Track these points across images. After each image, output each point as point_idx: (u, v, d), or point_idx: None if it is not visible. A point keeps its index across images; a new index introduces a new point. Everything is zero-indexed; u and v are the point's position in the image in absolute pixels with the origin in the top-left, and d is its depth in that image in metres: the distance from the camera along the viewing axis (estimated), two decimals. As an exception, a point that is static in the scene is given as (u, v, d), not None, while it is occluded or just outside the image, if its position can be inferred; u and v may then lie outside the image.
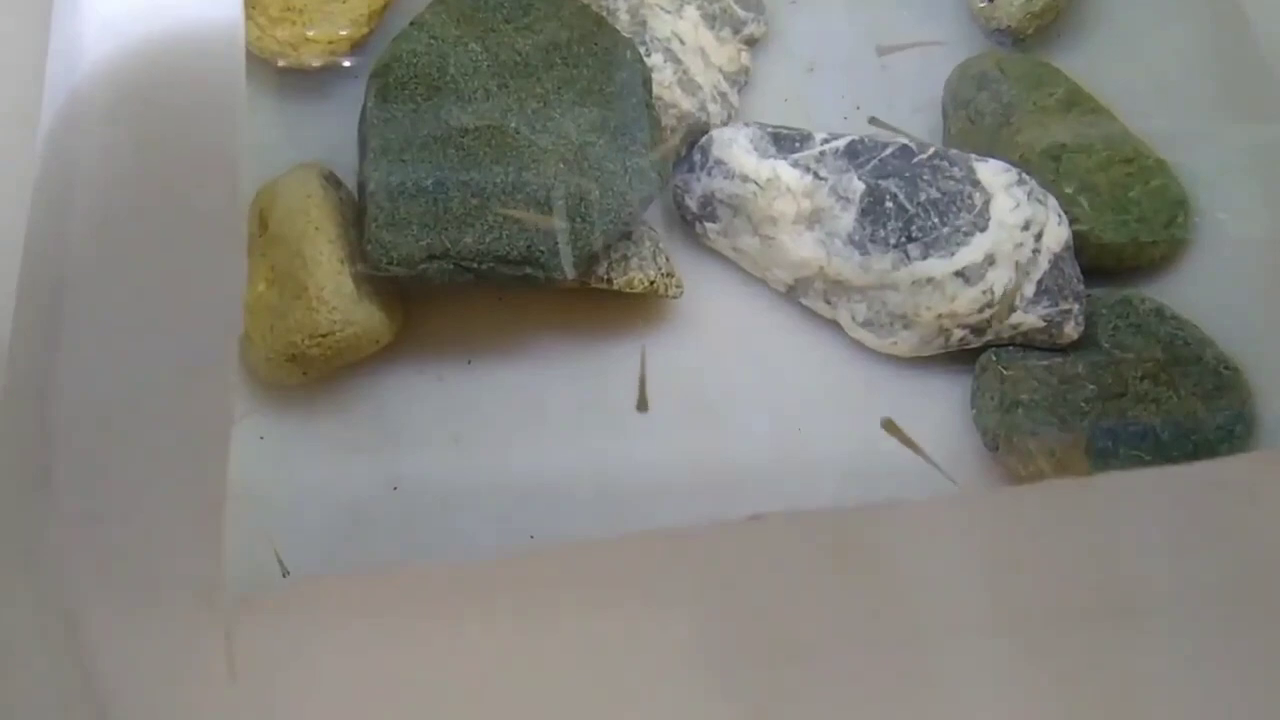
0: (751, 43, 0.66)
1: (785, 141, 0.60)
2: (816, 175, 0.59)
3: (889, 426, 0.57)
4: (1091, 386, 0.57)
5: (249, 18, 0.59)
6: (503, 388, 0.59)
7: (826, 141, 0.59)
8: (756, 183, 0.59)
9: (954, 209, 0.57)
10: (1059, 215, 0.59)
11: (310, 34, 0.61)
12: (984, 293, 0.57)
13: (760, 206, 0.59)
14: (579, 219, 0.56)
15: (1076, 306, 0.58)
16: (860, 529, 0.39)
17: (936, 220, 0.57)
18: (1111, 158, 0.61)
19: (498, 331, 0.60)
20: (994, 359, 0.58)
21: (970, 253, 0.57)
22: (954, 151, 0.59)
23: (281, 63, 0.61)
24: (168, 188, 0.42)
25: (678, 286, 0.59)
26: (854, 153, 0.59)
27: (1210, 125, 0.64)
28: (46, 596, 0.37)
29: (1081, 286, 0.59)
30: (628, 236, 0.58)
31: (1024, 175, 0.59)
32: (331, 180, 0.58)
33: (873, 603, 0.37)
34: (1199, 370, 0.57)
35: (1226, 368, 0.57)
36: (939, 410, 0.59)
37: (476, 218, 0.55)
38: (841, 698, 0.37)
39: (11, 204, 0.45)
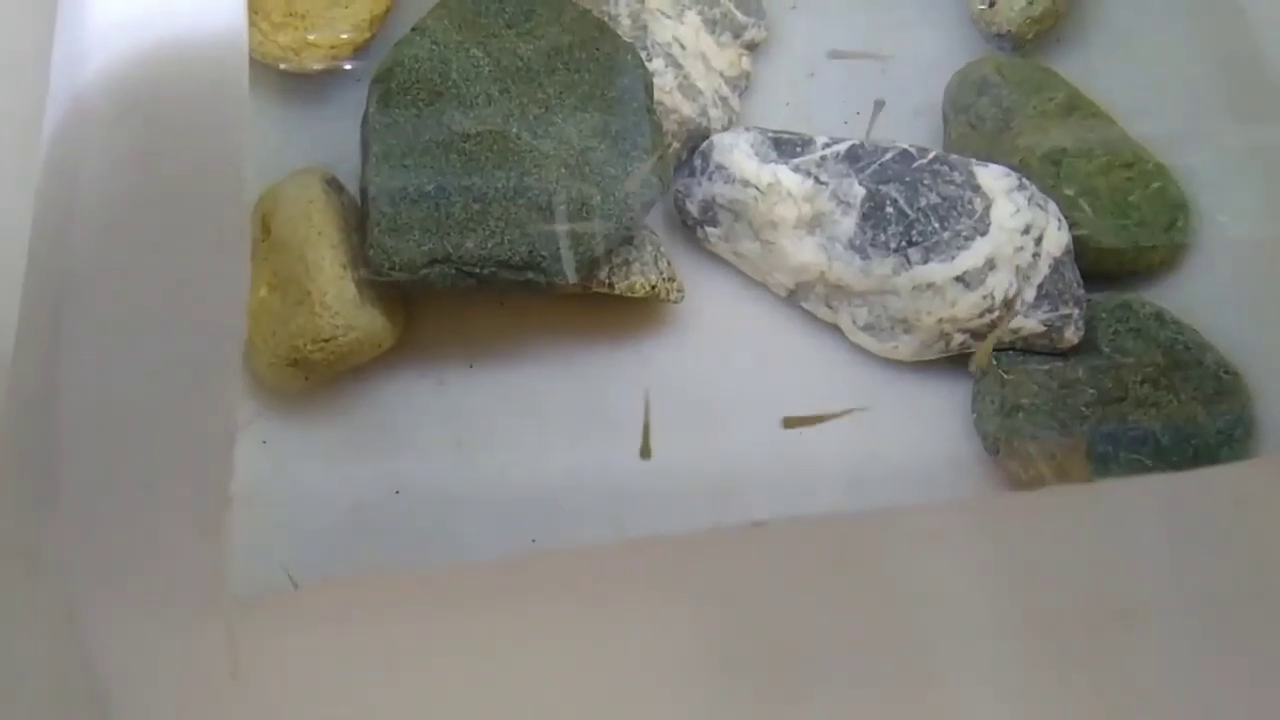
0: (752, 47, 0.66)
1: (786, 146, 0.60)
2: (817, 180, 0.59)
3: (790, 422, 0.56)
4: (1092, 391, 0.57)
5: (251, 23, 0.59)
6: (504, 392, 0.59)
7: (827, 146, 0.60)
8: (757, 187, 0.59)
9: (954, 214, 0.58)
10: (1059, 220, 0.59)
11: (312, 39, 0.61)
12: (984, 297, 0.57)
13: (761, 211, 0.59)
14: (580, 224, 0.56)
15: (1077, 311, 0.58)
16: (862, 535, 0.39)
17: (937, 225, 0.57)
18: (1111, 162, 0.61)
19: (499, 336, 0.60)
20: (994, 363, 0.58)
21: (971, 257, 0.57)
22: (954, 156, 0.60)
23: (283, 67, 0.61)
24: (172, 193, 0.42)
25: (679, 291, 0.59)
26: (855, 157, 0.59)
27: (1210, 129, 0.64)
28: (51, 601, 0.37)
29: (1082, 291, 0.59)
30: (629, 241, 0.58)
31: (1024, 180, 0.59)
32: (333, 185, 0.59)
33: (874, 609, 0.38)
34: (1199, 374, 0.57)
35: (1226, 372, 0.58)
36: (939, 414, 0.59)
37: (478, 223, 0.55)
38: (843, 703, 0.37)
39: (15, 210, 0.45)
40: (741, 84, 0.65)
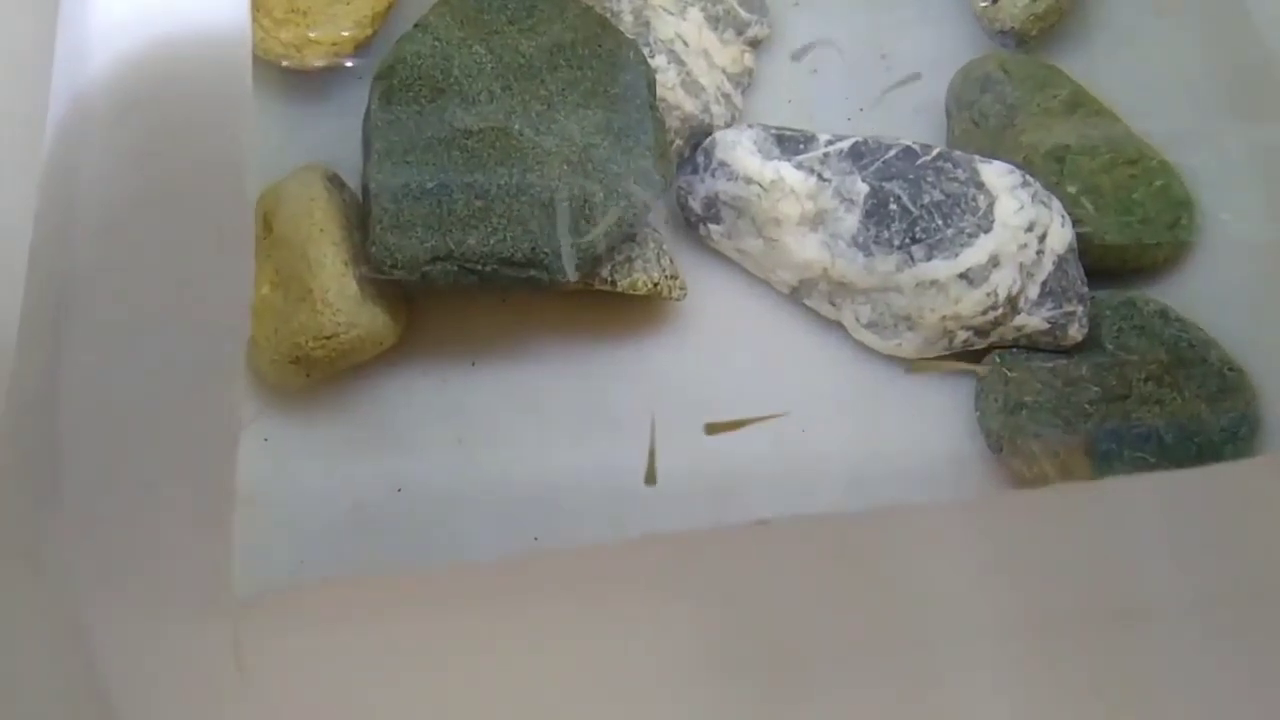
0: (755, 44, 0.66)
1: (789, 143, 0.60)
2: (820, 177, 0.59)
3: (713, 428, 0.56)
4: (1095, 388, 0.57)
5: (253, 20, 0.59)
6: (506, 390, 0.59)
7: (830, 143, 0.59)
8: (760, 184, 0.59)
9: (958, 211, 0.57)
10: (1063, 217, 0.59)
11: (314, 35, 0.61)
12: (988, 295, 0.57)
13: (764, 208, 0.59)
14: (583, 221, 0.56)
15: (1080, 308, 0.58)
16: (864, 534, 0.39)
17: (940, 222, 0.57)
18: (1115, 159, 0.61)
19: (501, 333, 0.60)
20: (998, 361, 0.58)
21: (974, 254, 0.57)
22: (958, 153, 0.59)
23: (285, 64, 0.61)
24: (174, 192, 0.42)
25: (681, 289, 0.59)
26: (858, 154, 0.59)
27: (1215, 126, 0.64)
28: (54, 602, 0.37)
29: (1085, 288, 0.59)
30: (631, 239, 0.58)
31: (1028, 177, 0.59)
32: (335, 182, 0.58)
33: (876, 608, 0.37)
34: (1203, 372, 0.57)
35: (1231, 369, 0.57)
36: (943, 412, 0.59)
37: (480, 220, 0.55)
38: (845, 703, 0.37)
39: (17, 208, 0.44)
40: (744, 81, 0.65)
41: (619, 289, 0.57)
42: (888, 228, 0.58)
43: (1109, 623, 0.37)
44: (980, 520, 0.39)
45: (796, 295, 0.61)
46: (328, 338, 0.55)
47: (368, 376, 0.58)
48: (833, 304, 0.60)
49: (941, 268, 0.57)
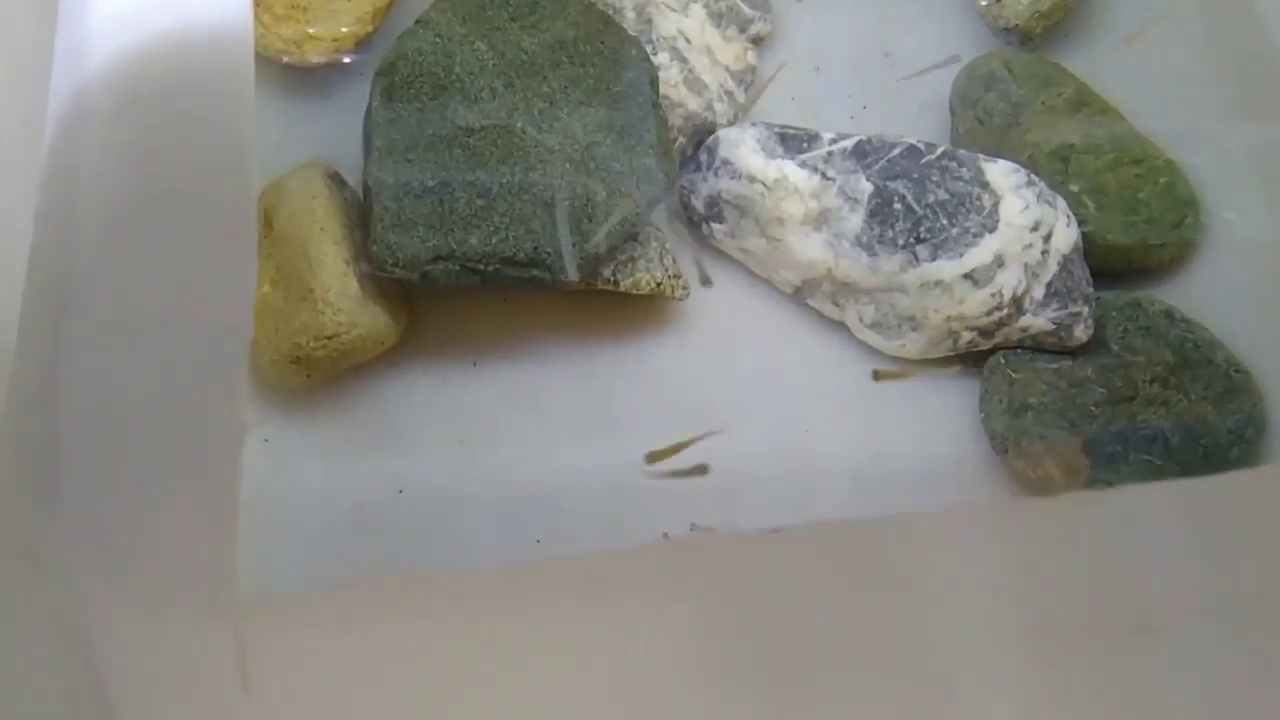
0: (758, 41, 0.66)
1: (793, 141, 0.59)
2: (824, 176, 0.58)
3: (653, 457, 0.56)
4: (1101, 390, 0.57)
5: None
6: (508, 390, 0.58)
7: (834, 141, 0.59)
8: (764, 183, 0.58)
9: (963, 210, 0.57)
10: (1068, 216, 0.58)
11: (314, 31, 0.61)
12: (993, 295, 0.57)
13: (767, 207, 0.58)
14: (585, 220, 0.55)
15: (1086, 309, 0.58)
16: (872, 540, 0.38)
17: (945, 222, 0.57)
18: (1120, 158, 0.61)
19: (503, 333, 0.59)
20: (1002, 362, 0.58)
21: (979, 254, 0.57)
22: (962, 152, 0.59)
23: (285, 60, 0.61)
24: (176, 189, 0.41)
25: (684, 288, 0.59)
26: (862, 153, 0.59)
27: (1220, 125, 0.64)
28: (55, 608, 0.36)
29: (1091, 289, 0.58)
30: (634, 238, 0.58)
31: (1033, 176, 0.58)
32: (336, 180, 0.58)
33: (885, 616, 0.37)
34: (1209, 373, 0.57)
35: (1237, 370, 0.57)
36: (946, 413, 0.59)
37: (482, 219, 0.54)
38: (850, 709, 0.37)
39: (16, 207, 0.44)
40: (747, 78, 0.65)
41: (621, 289, 0.57)
42: (892, 227, 0.57)
43: (1118, 632, 0.37)
44: (988, 527, 0.39)
45: (800, 295, 0.60)
46: (329, 337, 0.54)
47: (368, 376, 0.58)
48: (836, 304, 0.59)
49: (946, 268, 0.57)
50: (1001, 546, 0.39)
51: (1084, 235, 0.59)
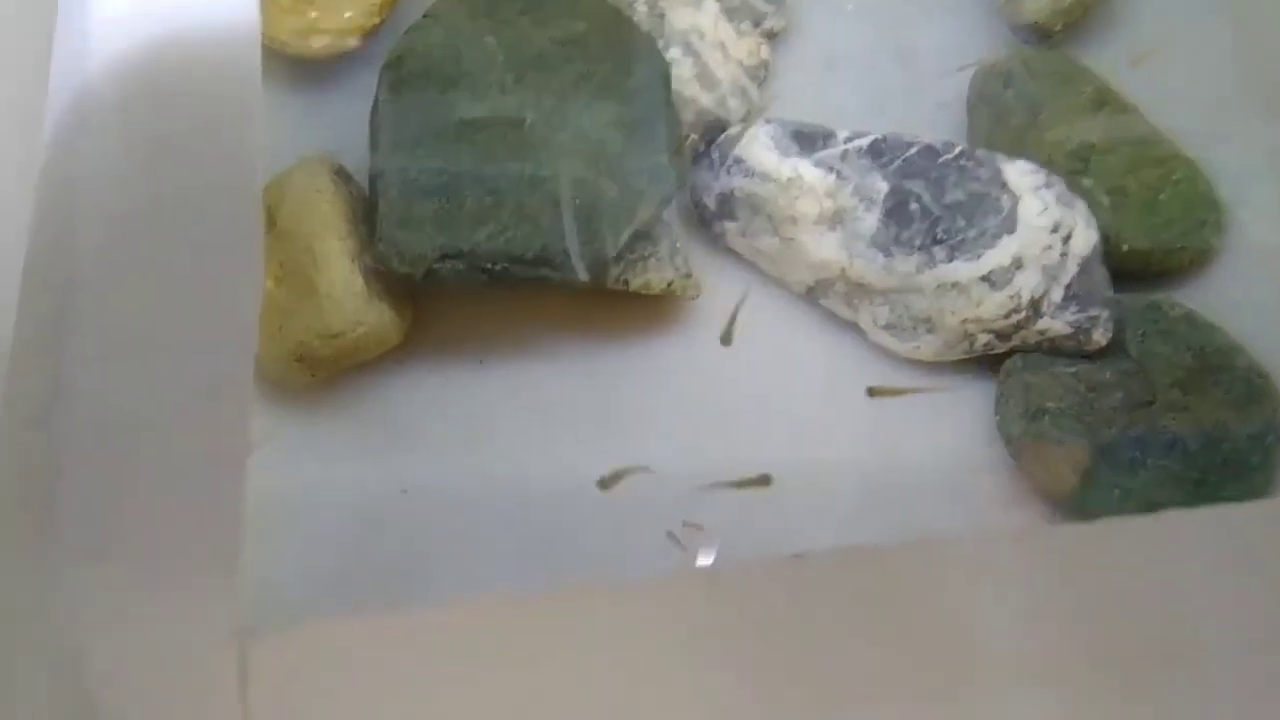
0: (772, 36, 0.65)
1: (807, 139, 0.58)
2: (839, 174, 0.57)
3: (605, 483, 0.55)
4: (1119, 394, 0.56)
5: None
6: (515, 389, 0.58)
7: (850, 140, 0.58)
8: (777, 181, 0.57)
9: (980, 211, 0.56)
10: (1087, 218, 0.57)
11: (320, 22, 0.60)
12: (1011, 297, 0.56)
13: (781, 206, 0.57)
14: (595, 218, 0.54)
15: (1105, 312, 0.57)
16: (905, 566, 0.37)
17: (962, 222, 0.56)
18: (1141, 159, 0.60)
19: (510, 332, 0.58)
20: (1019, 365, 0.57)
21: (997, 256, 0.56)
22: (980, 152, 0.58)
23: (291, 52, 0.60)
24: (180, 192, 0.40)
25: (695, 288, 0.58)
26: (878, 152, 0.58)
27: (1242, 126, 0.63)
28: (53, 634, 0.35)
29: (1110, 292, 0.57)
30: (645, 236, 0.57)
31: (1052, 176, 0.57)
32: (341, 174, 0.57)
33: (916, 646, 0.36)
34: (1230, 378, 0.56)
35: (1258, 375, 0.56)
36: (962, 416, 0.58)
37: (490, 216, 0.53)
38: None
39: (14, 208, 0.43)
40: (760, 74, 0.64)
41: (631, 289, 0.56)
42: (908, 227, 0.56)
43: (1159, 664, 0.36)
44: (1024, 554, 0.38)
45: (812, 295, 0.59)
46: (334, 335, 0.53)
47: (373, 375, 0.57)
48: (850, 305, 0.58)
49: (963, 269, 0.56)
50: (1038, 574, 0.37)
51: (1103, 237, 0.58)
